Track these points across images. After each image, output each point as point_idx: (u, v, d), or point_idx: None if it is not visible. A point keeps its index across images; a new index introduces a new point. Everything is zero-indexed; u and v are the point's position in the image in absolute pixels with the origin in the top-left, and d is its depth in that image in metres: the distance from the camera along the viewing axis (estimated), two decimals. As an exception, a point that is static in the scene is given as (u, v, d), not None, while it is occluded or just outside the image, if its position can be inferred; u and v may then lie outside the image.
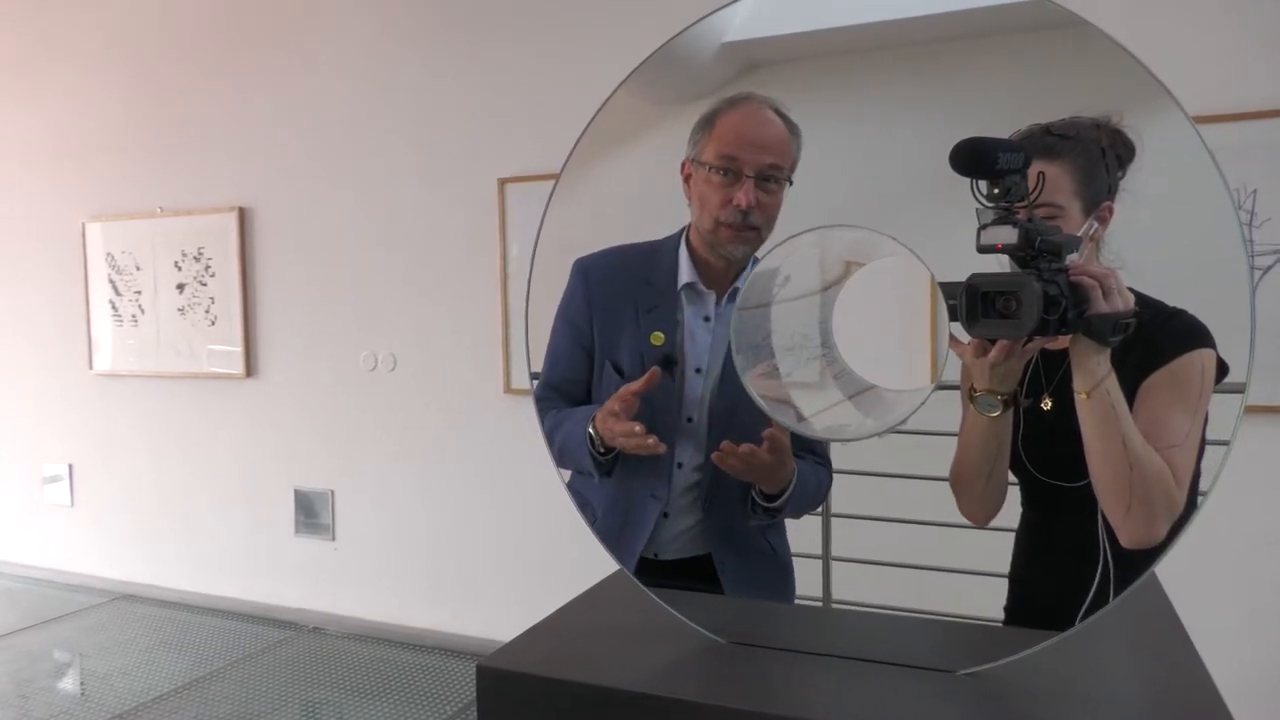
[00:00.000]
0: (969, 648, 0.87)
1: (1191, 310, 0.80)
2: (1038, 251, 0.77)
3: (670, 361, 1.03)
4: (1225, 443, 0.78)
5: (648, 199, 1.09)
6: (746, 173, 0.98)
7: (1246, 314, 0.76)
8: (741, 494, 1.01)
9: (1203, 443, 0.80)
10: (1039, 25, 0.85)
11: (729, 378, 1.00)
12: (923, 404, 0.85)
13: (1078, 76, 0.86)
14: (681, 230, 1.06)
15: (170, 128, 3.23)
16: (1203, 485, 0.79)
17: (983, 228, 0.79)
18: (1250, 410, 1.81)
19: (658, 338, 1.05)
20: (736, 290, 1.01)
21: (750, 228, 0.99)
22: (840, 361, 0.96)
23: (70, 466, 3.55)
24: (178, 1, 3.20)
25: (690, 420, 1.04)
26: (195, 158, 3.19)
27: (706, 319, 1.05)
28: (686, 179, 1.04)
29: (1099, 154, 0.83)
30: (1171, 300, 0.80)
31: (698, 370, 1.04)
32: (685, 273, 1.06)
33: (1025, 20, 0.85)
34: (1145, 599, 0.98)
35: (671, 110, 1.03)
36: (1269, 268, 1.84)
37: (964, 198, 0.80)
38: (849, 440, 0.93)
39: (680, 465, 1.05)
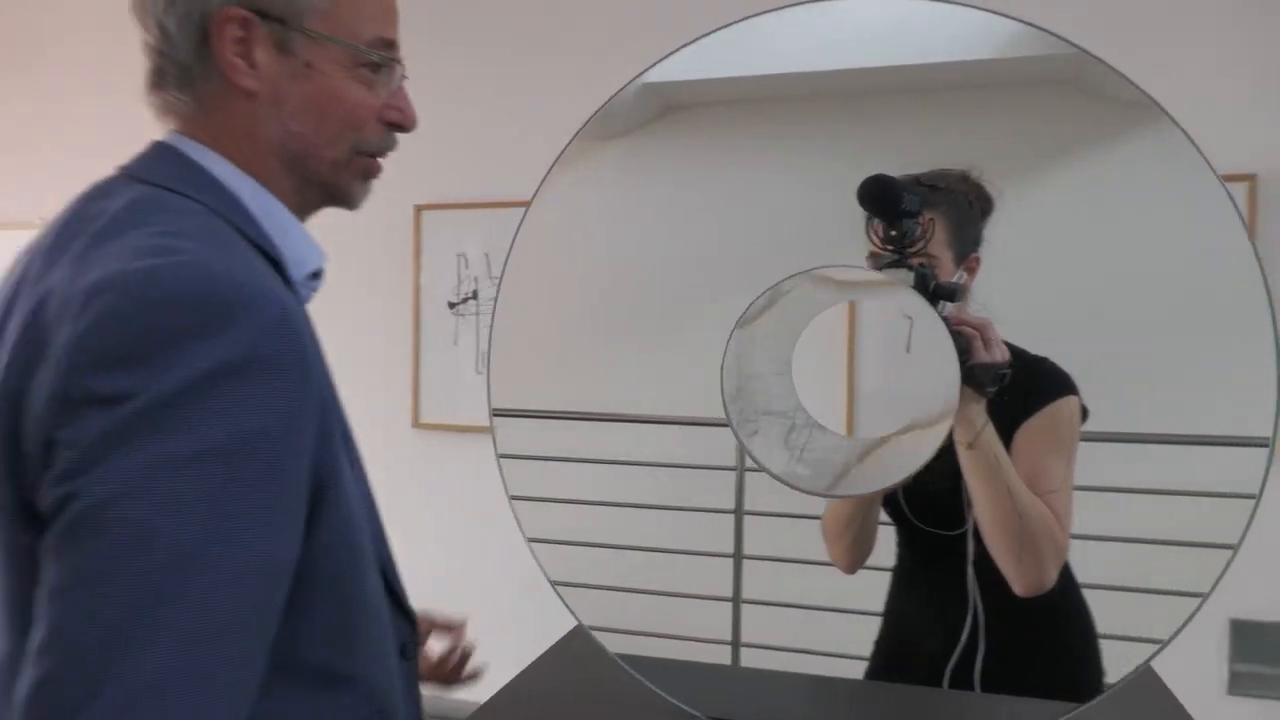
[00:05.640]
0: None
1: (1054, 358, 0.83)
2: (931, 297, 0.78)
3: None
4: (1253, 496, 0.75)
5: (561, 232, 1.08)
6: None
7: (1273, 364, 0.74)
8: None
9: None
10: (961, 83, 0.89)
11: None
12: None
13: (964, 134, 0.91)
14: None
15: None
16: (1230, 540, 0.75)
17: (878, 270, 0.81)
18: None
19: None
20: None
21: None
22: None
23: None
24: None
25: None
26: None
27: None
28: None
29: (967, 205, 0.86)
30: (1033, 348, 0.83)
31: None
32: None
33: (956, 75, 0.88)
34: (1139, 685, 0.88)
35: (588, 147, 1.02)
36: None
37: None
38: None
39: None
